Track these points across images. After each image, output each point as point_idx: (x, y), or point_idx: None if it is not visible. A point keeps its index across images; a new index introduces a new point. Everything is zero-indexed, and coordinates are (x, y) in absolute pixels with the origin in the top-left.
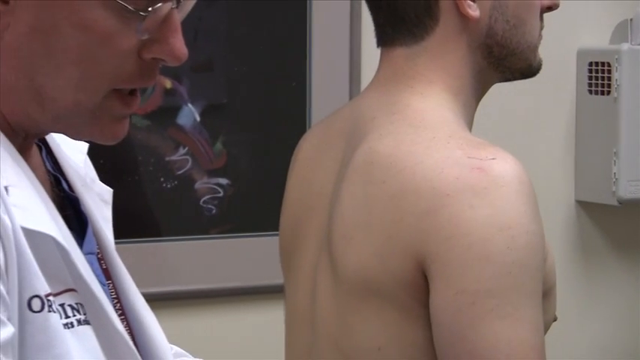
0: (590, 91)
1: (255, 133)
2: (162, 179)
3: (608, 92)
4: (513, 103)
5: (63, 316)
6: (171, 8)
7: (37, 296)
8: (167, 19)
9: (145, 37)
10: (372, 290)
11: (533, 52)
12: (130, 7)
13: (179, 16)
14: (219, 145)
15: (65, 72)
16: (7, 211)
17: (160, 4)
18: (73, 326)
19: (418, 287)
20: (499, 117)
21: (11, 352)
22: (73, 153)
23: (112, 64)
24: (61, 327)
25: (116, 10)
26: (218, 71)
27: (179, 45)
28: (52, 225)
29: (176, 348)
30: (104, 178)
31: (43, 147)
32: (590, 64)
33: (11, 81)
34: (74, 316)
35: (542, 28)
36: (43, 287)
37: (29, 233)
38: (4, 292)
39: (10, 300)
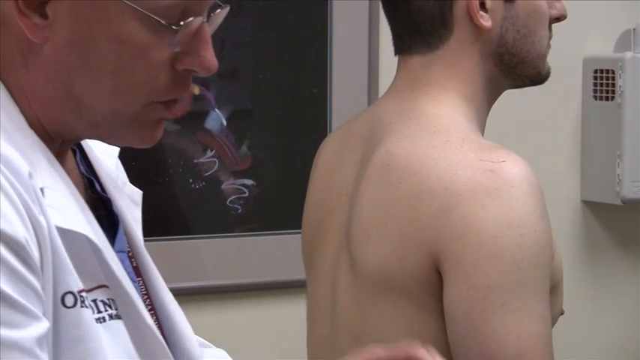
0: (595, 97)
1: (279, 136)
2: (190, 180)
3: (612, 98)
4: (523, 108)
5: (95, 311)
6: (202, 22)
7: (70, 292)
8: (198, 32)
9: (178, 49)
10: (389, 285)
11: (542, 60)
12: (162, 22)
13: (209, 30)
14: (244, 148)
15: (102, 82)
16: (43, 212)
17: (191, 19)
18: (104, 321)
19: (433, 283)
20: (510, 121)
21: (46, 346)
22: (104, 157)
23: (146, 74)
24: (94, 321)
25: (150, 24)
26: (243, 78)
27: (210, 57)
28: (86, 224)
29: (199, 339)
30: (136, 179)
31: (77, 151)
32: (595, 71)
33: (49, 91)
34: (106, 311)
35: (550, 37)
36: (76, 284)
37: (64, 232)
38: (39, 288)
39: (45, 296)
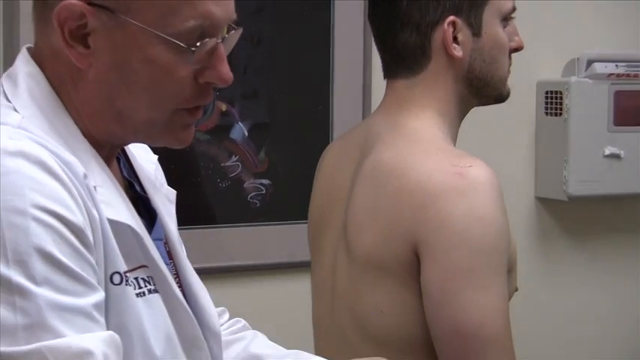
0: (546, 113)
1: (290, 145)
2: (218, 180)
3: (560, 114)
4: (488, 122)
5: (136, 287)
6: (217, 43)
7: (117, 272)
8: (214, 51)
9: (197, 66)
10: (377, 267)
11: (503, 83)
12: (182, 45)
13: (226, 48)
14: (262, 154)
15: (138, 97)
16: (96, 206)
17: (206, 40)
18: (144, 295)
19: (413, 265)
20: (477, 133)
21: (102, 312)
22: (145, 163)
23: (174, 88)
24: (134, 296)
25: (172, 47)
26: (262, 98)
27: (225, 71)
28: (129, 216)
29: (220, 308)
30: (175, 179)
31: (121, 158)
32: (547, 92)
33: (96, 106)
34: (146, 286)
35: (510, 64)
36: (122, 265)
37: (112, 223)
38: (95, 265)
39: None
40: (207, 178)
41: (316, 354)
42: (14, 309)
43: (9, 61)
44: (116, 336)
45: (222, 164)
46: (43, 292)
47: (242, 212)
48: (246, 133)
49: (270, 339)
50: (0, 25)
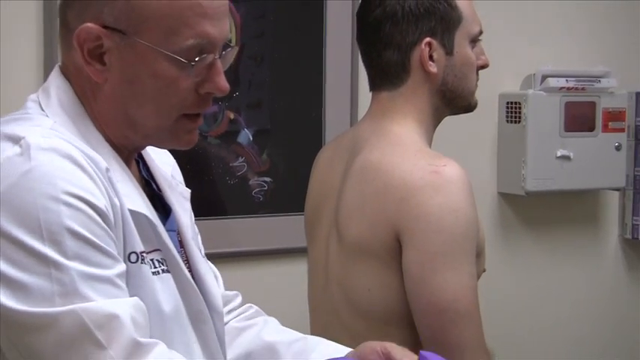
0: (507, 121)
1: (289, 148)
2: (227, 178)
3: (519, 121)
4: (458, 128)
5: (152, 266)
6: (214, 58)
7: (134, 252)
8: (212, 65)
9: (197, 79)
10: (365, 251)
11: (472, 95)
12: (183, 60)
13: (224, 63)
14: (264, 156)
15: (147, 106)
16: (117, 196)
17: (204, 56)
18: (159, 274)
19: (395, 249)
20: (449, 137)
21: (124, 281)
22: (162, 165)
23: (177, 98)
24: (150, 274)
25: (175, 63)
26: (264, 108)
27: (222, 82)
28: (145, 207)
29: (233, 292)
30: (190, 177)
31: (140, 161)
32: (507, 103)
33: (112, 114)
34: (160, 266)
35: (477, 79)
36: (139, 246)
37: (132, 212)
38: (116, 241)
39: (118, 252)
40: (218, 177)
41: (311, 326)
42: (51, 279)
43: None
44: (140, 302)
45: (231, 164)
46: (74, 265)
47: (247, 205)
48: (251, 138)
49: (272, 313)
50: (42, 46)
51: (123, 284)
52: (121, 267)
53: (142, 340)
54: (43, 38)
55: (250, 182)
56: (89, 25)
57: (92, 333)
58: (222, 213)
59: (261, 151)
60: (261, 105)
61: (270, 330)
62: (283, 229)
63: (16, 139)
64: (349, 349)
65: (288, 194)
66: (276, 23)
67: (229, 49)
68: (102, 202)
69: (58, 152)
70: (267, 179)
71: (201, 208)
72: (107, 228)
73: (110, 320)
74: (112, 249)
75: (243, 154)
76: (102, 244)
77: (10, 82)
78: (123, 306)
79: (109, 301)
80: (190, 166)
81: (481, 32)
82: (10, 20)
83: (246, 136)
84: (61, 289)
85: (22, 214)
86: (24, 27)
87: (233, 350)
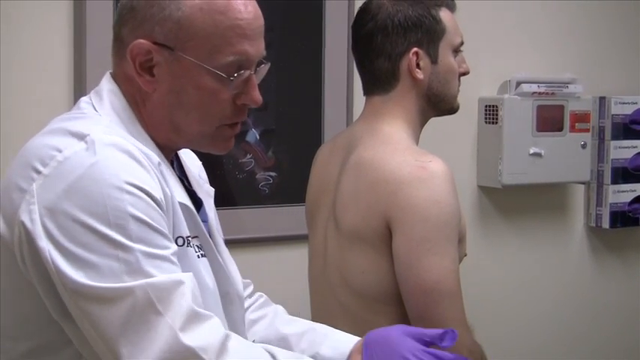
0: (486, 122)
1: (292, 146)
2: (236, 173)
3: (496, 122)
4: (442, 129)
5: (196, 250)
6: (250, 74)
7: (180, 237)
8: (248, 80)
9: (235, 91)
10: (359, 238)
11: (454, 99)
12: (224, 75)
13: (257, 78)
14: (270, 153)
15: (190, 115)
16: (168, 187)
17: (242, 72)
18: (199, 257)
19: (386, 236)
20: (433, 137)
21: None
22: (191, 166)
23: (217, 108)
24: (195, 257)
25: (216, 77)
26: (270, 110)
27: (257, 96)
28: (187, 199)
29: (246, 280)
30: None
31: (174, 161)
32: (486, 106)
33: (158, 120)
34: (199, 251)
35: (459, 85)
36: (185, 232)
37: (179, 204)
38: (168, 223)
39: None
40: (228, 171)
41: (311, 306)
42: (118, 260)
43: (78, 81)
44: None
45: (240, 160)
46: (138, 247)
47: (255, 197)
48: (258, 137)
49: (276, 293)
50: (72, 53)
51: (177, 262)
52: (175, 247)
53: (200, 310)
54: (73, 37)
55: (257, 176)
56: (141, 41)
57: (154, 304)
58: (232, 204)
59: (267, 149)
60: (268, 107)
61: (281, 321)
62: (286, 218)
63: (81, 136)
64: (357, 338)
65: (291, 187)
66: (282, 36)
67: (263, 65)
68: (157, 192)
69: (118, 147)
70: (273, 174)
71: (214, 199)
72: (163, 214)
73: (174, 290)
74: (167, 231)
75: (251, 152)
76: (160, 227)
77: (40, 81)
78: (186, 277)
79: (172, 275)
80: (204, 162)
81: (462, 43)
82: (41, 19)
83: (253, 135)
84: (128, 268)
85: (91, 202)
86: (55, 25)
87: (249, 339)
